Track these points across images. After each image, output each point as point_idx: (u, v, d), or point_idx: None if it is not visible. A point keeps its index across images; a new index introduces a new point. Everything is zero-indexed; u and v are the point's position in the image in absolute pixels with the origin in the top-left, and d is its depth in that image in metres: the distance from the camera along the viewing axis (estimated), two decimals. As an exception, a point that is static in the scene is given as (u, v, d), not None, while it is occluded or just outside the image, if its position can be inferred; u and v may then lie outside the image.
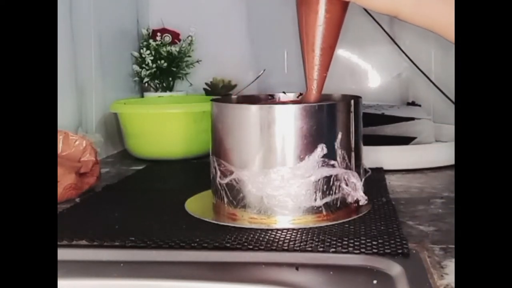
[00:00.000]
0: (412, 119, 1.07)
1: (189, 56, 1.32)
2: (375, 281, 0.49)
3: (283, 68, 1.38)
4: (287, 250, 0.56)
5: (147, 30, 1.32)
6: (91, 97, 1.07)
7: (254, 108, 0.65)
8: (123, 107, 1.08)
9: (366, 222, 0.64)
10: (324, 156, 0.63)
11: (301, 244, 0.57)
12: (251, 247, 0.57)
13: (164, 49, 1.28)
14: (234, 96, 0.82)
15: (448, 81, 1.29)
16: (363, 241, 0.57)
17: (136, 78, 1.29)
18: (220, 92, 1.29)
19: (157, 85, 1.31)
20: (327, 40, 0.64)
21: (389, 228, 0.61)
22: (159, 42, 1.28)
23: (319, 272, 0.53)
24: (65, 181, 0.75)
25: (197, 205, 0.72)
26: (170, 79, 1.31)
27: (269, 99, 0.78)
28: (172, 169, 1.00)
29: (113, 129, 1.16)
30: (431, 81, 1.30)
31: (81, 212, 0.72)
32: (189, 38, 1.31)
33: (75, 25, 1.00)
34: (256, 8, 1.39)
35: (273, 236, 0.60)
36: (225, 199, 0.66)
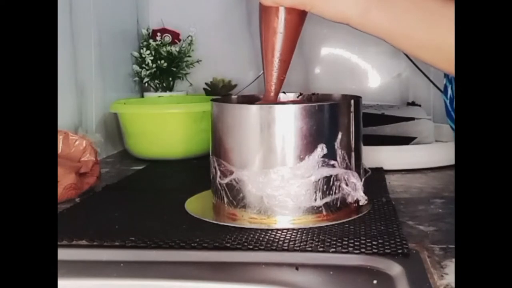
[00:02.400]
0: (412, 119, 1.07)
1: (189, 56, 1.32)
2: (375, 281, 0.49)
3: (283, 68, 1.38)
4: (287, 250, 0.56)
5: (147, 30, 1.32)
6: (91, 97, 1.07)
7: (254, 108, 0.65)
8: (123, 107, 1.08)
9: (366, 222, 0.64)
10: (324, 156, 0.63)
11: (301, 244, 0.57)
12: (251, 247, 0.57)
13: (164, 49, 1.28)
14: (234, 96, 0.82)
15: (448, 81, 1.29)
16: (363, 241, 0.57)
17: (136, 78, 1.29)
18: (220, 92, 1.29)
19: (157, 85, 1.31)
20: (285, 46, 0.66)
21: (389, 228, 0.61)
22: (159, 42, 1.28)
23: (319, 272, 0.53)
24: (65, 181, 0.75)
25: (197, 205, 0.72)
26: (170, 79, 1.31)
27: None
28: (172, 169, 1.00)
29: (113, 129, 1.16)
30: (431, 81, 1.30)
31: (81, 212, 0.72)
32: (189, 38, 1.31)
33: (75, 25, 1.00)
34: (256, 8, 1.38)
35: (273, 236, 0.60)
36: (225, 199, 0.66)
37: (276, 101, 0.69)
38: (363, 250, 0.55)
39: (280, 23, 0.65)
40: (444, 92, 0.85)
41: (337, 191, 0.65)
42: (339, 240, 0.58)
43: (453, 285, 0.48)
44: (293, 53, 0.67)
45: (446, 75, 0.83)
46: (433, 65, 0.61)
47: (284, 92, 0.78)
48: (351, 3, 0.58)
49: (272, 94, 0.68)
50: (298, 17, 0.65)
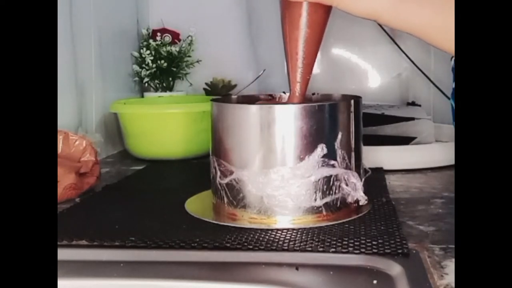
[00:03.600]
0: (412, 119, 1.07)
1: (189, 56, 1.32)
2: (375, 281, 0.49)
3: (283, 68, 1.38)
4: (287, 250, 0.56)
5: (147, 30, 1.32)
6: (91, 97, 1.07)
7: (254, 108, 0.65)
8: (123, 107, 1.08)
9: (366, 222, 0.64)
10: (324, 156, 0.63)
11: (301, 244, 0.57)
12: (251, 247, 0.57)
13: (164, 49, 1.28)
14: (234, 96, 0.82)
15: (448, 81, 1.29)
16: (363, 241, 0.57)
17: (136, 78, 1.29)
18: (220, 92, 1.29)
19: (157, 85, 1.31)
20: (310, 43, 0.64)
21: (389, 228, 0.61)
22: (159, 42, 1.28)
23: (319, 272, 0.53)
24: (65, 181, 0.75)
25: (197, 205, 0.72)
26: (170, 79, 1.31)
27: (269, 99, 0.78)
28: (172, 169, 1.00)
29: (113, 129, 1.16)
30: (431, 81, 1.30)
31: (81, 212, 0.72)
32: (189, 38, 1.31)
33: (75, 25, 1.00)
34: (256, 8, 1.39)
35: (273, 236, 0.60)
36: (225, 199, 0.66)
37: (303, 102, 0.67)
38: (363, 250, 0.55)
39: (304, 20, 0.62)
40: (452, 96, 0.84)
41: (337, 191, 0.65)
42: (339, 240, 0.58)
43: (453, 285, 0.48)
44: (318, 51, 0.65)
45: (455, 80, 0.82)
46: None
47: (284, 92, 0.78)
48: None
49: (297, 95, 0.66)
50: (323, 13, 0.63)
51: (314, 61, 0.66)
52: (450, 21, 0.55)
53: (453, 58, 0.82)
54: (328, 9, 0.63)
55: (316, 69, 1.37)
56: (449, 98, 1.25)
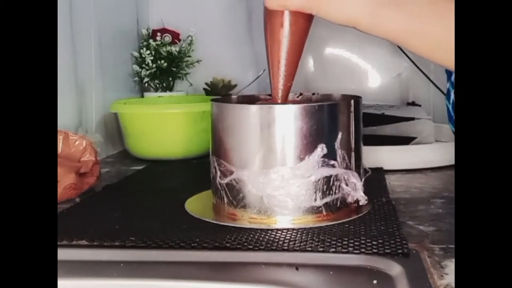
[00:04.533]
0: (412, 119, 1.07)
1: (189, 56, 1.32)
2: (375, 281, 0.49)
3: (283, 68, 1.38)
4: (287, 250, 0.56)
5: (147, 30, 1.32)
6: (91, 97, 1.07)
7: (254, 108, 0.65)
8: (123, 107, 1.08)
9: (366, 222, 0.64)
10: (324, 156, 0.63)
11: (301, 244, 0.57)
12: (251, 247, 0.57)
13: (164, 49, 1.28)
14: (234, 96, 0.82)
15: (448, 81, 1.29)
16: (363, 241, 0.57)
17: (136, 78, 1.29)
18: (220, 92, 1.29)
19: (157, 85, 1.31)
20: (292, 51, 0.64)
21: (389, 228, 0.61)
22: (159, 42, 1.28)
23: (319, 272, 0.53)
24: (65, 181, 0.75)
25: (197, 205, 0.72)
26: (170, 79, 1.31)
27: (269, 99, 0.78)
28: (172, 169, 1.00)
29: (113, 129, 1.16)
30: (431, 81, 1.30)
31: (81, 212, 0.72)
32: (189, 38, 1.31)
33: (75, 25, 1.00)
34: (256, 8, 1.39)
35: (273, 236, 0.60)
36: (225, 199, 0.66)
37: (284, 99, 0.68)
38: (363, 250, 0.55)
39: (285, 28, 0.63)
40: (447, 96, 0.85)
41: (337, 191, 0.65)
42: (339, 240, 0.58)
43: (453, 285, 0.48)
44: (300, 59, 0.66)
45: (449, 80, 0.82)
46: (451, 67, 0.58)
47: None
48: (359, 6, 0.57)
49: (279, 101, 0.67)
50: (305, 21, 0.63)
51: (296, 68, 0.66)
52: (427, 26, 0.56)
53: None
54: (309, 17, 0.63)
55: (316, 69, 1.38)
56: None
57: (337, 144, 0.64)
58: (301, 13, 0.61)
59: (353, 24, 0.58)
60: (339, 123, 0.66)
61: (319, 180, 0.64)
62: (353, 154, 0.67)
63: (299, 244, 0.57)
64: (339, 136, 0.65)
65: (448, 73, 0.83)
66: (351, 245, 0.56)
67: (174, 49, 1.29)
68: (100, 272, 0.53)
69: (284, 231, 0.61)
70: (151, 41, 1.28)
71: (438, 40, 0.56)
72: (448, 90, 0.83)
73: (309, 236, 0.60)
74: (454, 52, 0.46)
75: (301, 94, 0.79)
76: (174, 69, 1.29)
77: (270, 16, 0.64)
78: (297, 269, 0.53)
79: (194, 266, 0.55)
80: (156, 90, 1.31)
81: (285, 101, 0.67)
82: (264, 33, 0.66)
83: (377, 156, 0.93)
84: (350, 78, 1.36)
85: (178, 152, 1.06)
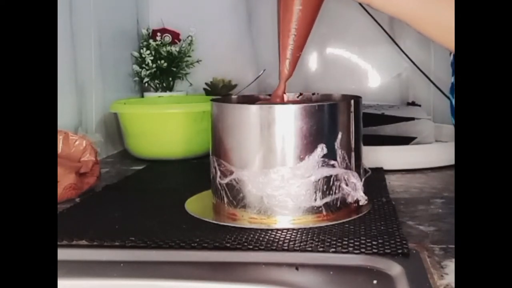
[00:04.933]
0: (412, 119, 1.07)
1: (189, 56, 1.32)
2: (375, 281, 0.49)
3: (283, 68, 1.38)
4: (287, 250, 0.56)
5: (147, 30, 1.32)
6: (91, 97, 1.07)
7: (254, 108, 0.65)
8: (123, 107, 1.08)
9: (366, 222, 0.64)
10: (324, 156, 0.63)
11: (301, 244, 0.57)
12: (251, 247, 0.57)
13: (164, 49, 1.28)
14: (234, 96, 0.82)
15: (448, 81, 1.29)
16: (363, 241, 0.57)
17: (136, 78, 1.29)
18: (220, 92, 1.29)
19: (157, 85, 1.31)
20: (303, 22, 0.66)
21: (389, 228, 0.61)
22: (159, 42, 1.28)
23: (319, 272, 0.53)
24: (65, 181, 0.75)
25: (197, 205, 0.72)
26: (170, 79, 1.31)
27: (269, 99, 0.78)
28: (172, 169, 1.00)
29: (113, 129, 1.16)
30: (431, 81, 1.30)
31: (81, 212, 0.72)
32: (189, 38, 1.31)
33: (75, 25, 1.00)
34: (256, 8, 1.39)
35: (273, 236, 0.60)
36: (225, 199, 0.66)
37: (289, 77, 0.69)
38: (363, 250, 0.55)
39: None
40: (451, 91, 0.85)
41: (337, 191, 0.65)
42: (339, 240, 0.58)
43: (453, 285, 0.48)
44: (310, 31, 0.67)
45: (454, 74, 0.82)
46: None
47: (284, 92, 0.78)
48: None
49: (286, 71, 0.68)
50: None
51: (306, 41, 0.67)
52: (441, 10, 0.55)
53: (452, 54, 0.82)
54: None
55: (316, 69, 1.38)
56: (449, 98, 1.26)
57: (337, 144, 0.64)
58: None
59: (367, 1, 0.59)
60: (339, 123, 0.66)
61: (319, 180, 0.64)
62: (353, 154, 0.67)
63: (299, 244, 0.57)
64: (339, 136, 0.65)
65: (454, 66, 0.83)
66: (351, 245, 0.56)
67: (174, 49, 1.29)
68: (100, 272, 0.53)
69: (284, 231, 0.61)
70: (151, 41, 1.28)
71: (447, 23, 0.55)
72: (452, 84, 0.83)
73: (309, 236, 0.60)
74: (454, 52, 0.46)
75: (301, 94, 0.79)
76: (174, 69, 1.29)
77: None
78: (297, 269, 0.53)
79: (194, 266, 0.55)
80: (156, 90, 1.31)
81: (291, 73, 0.68)
82: (277, 4, 0.68)
83: (377, 156, 0.93)
84: (350, 78, 1.36)
85: (178, 152, 1.06)
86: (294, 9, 0.65)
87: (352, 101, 0.67)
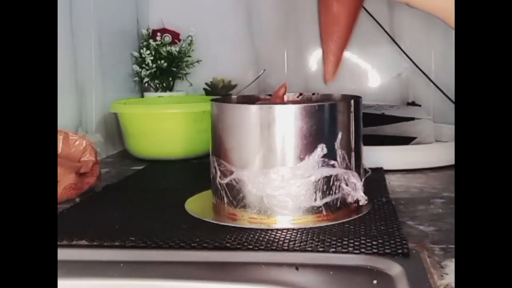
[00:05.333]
0: (412, 119, 1.07)
1: (189, 56, 1.32)
2: (375, 281, 0.49)
3: (283, 68, 1.38)
4: (287, 250, 0.56)
5: (147, 30, 1.32)
6: (91, 97, 1.07)
7: (254, 108, 0.65)
8: (123, 107, 1.08)
9: (366, 222, 0.64)
10: (324, 156, 0.64)
11: (301, 244, 0.57)
12: (251, 247, 0.57)
13: (164, 49, 1.28)
14: (234, 96, 0.82)
15: (448, 81, 1.29)
16: (363, 241, 0.57)
17: (136, 78, 1.29)
18: (220, 92, 1.29)
19: (157, 85, 1.31)
20: (346, 24, 0.66)
21: (389, 228, 0.61)
22: (159, 42, 1.28)
23: (319, 272, 0.53)
24: (65, 181, 0.75)
25: (197, 205, 0.72)
26: (170, 79, 1.31)
27: (269, 99, 0.78)
28: (172, 169, 1.00)
29: (113, 129, 1.16)
30: (431, 81, 1.30)
31: (81, 212, 0.72)
32: (189, 38, 1.31)
33: (75, 25, 1.00)
34: (256, 8, 1.39)
35: (273, 236, 0.60)
36: (225, 199, 0.66)
37: (333, 79, 0.70)
38: (363, 250, 0.55)
39: (340, 0, 0.65)
40: None
41: (337, 191, 0.65)
42: (339, 240, 0.58)
43: (453, 285, 0.48)
44: (352, 33, 0.68)
45: None
46: None
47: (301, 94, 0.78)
48: None
49: (331, 69, 0.68)
50: None
51: (348, 41, 0.68)
52: None
53: None
54: None
55: (316, 69, 1.37)
56: (448, 98, 1.26)
57: (337, 144, 0.64)
58: None
59: (406, 0, 0.59)
60: (339, 123, 0.66)
61: (319, 180, 0.64)
62: (353, 154, 0.67)
63: (299, 244, 0.57)
64: (339, 136, 0.65)
65: None
66: (351, 245, 0.56)
67: (174, 49, 1.29)
68: (100, 272, 0.53)
69: (284, 231, 0.61)
70: (151, 41, 1.28)
71: None
72: None
73: (309, 236, 0.60)
74: (454, 53, 0.46)
75: (301, 94, 0.79)
76: (174, 69, 1.29)
77: None
78: (297, 269, 0.53)
79: (194, 266, 0.55)
80: (156, 90, 1.31)
81: (335, 75, 0.69)
82: (317, 8, 0.68)
83: (377, 156, 0.93)
84: (350, 78, 1.36)
85: (178, 152, 1.06)
86: (335, 11, 0.65)
87: (352, 101, 0.68)
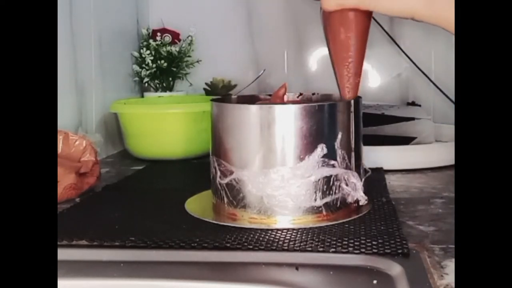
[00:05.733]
0: (412, 119, 1.07)
1: (189, 56, 1.32)
2: (375, 281, 0.49)
3: (283, 68, 1.38)
4: (287, 250, 0.56)
5: (147, 30, 1.32)
6: (91, 97, 1.07)
7: (254, 108, 0.65)
8: (123, 107, 1.08)
9: (366, 222, 0.64)
10: (324, 156, 0.63)
11: (301, 244, 0.57)
12: (251, 247, 0.57)
13: (164, 49, 1.28)
14: (234, 96, 0.82)
15: (448, 81, 1.29)
16: (363, 241, 0.57)
17: (136, 78, 1.29)
18: (220, 92, 1.29)
19: (157, 85, 1.31)
20: (355, 49, 0.64)
21: (389, 228, 0.61)
22: (159, 42, 1.28)
23: (319, 272, 0.53)
24: (65, 181, 0.75)
25: (197, 205, 0.72)
26: (170, 79, 1.31)
27: (269, 99, 0.78)
28: (172, 169, 1.00)
29: (113, 129, 1.16)
30: (431, 81, 1.30)
31: (81, 212, 0.72)
32: (189, 38, 1.31)
33: (75, 25, 1.00)
34: (256, 8, 1.39)
35: (273, 236, 0.60)
36: (225, 199, 0.66)
37: (355, 94, 0.67)
38: (363, 250, 0.55)
39: (346, 27, 0.63)
40: None
41: (337, 191, 0.65)
42: (339, 240, 0.58)
43: (453, 285, 0.48)
44: (364, 55, 0.66)
45: None
46: None
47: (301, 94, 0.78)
48: None
49: (349, 93, 0.66)
50: (364, 18, 0.63)
51: (362, 65, 0.66)
52: None
53: None
54: (367, 13, 0.63)
55: (316, 69, 1.37)
56: (448, 98, 1.26)
57: (337, 144, 0.64)
58: (359, 10, 0.62)
59: (410, 15, 0.59)
60: (339, 123, 0.66)
61: (319, 180, 0.64)
62: (353, 154, 0.67)
63: (299, 244, 0.57)
64: (339, 136, 0.65)
65: None
66: (351, 245, 0.56)
67: (174, 49, 1.29)
68: (100, 272, 0.53)
69: (284, 231, 0.61)
70: (151, 41, 1.28)
71: None
72: None
73: (309, 236, 0.60)
74: (454, 53, 0.46)
75: (301, 94, 0.79)
76: (174, 69, 1.29)
77: (329, 18, 0.64)
78: (297, 269, 0.53)
79: (194, 266, 0.55)
80: (156, 90, 1.31)
81: (355, 94, 0.66)
82: (324, 35, 0.67)
83: (377, 156, 0.93)
84: (350, 78, 1.36)
85: (178, 152, 1.06)
86: (344, 39, 0.64)
87: (352, 101, 0.67)
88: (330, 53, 0.67)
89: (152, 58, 1.27)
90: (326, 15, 0.65)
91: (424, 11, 0.58)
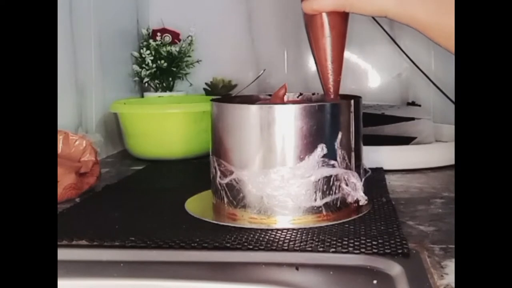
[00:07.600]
0: (412, 119, 1.07)
1: (189, 56, 1.32)
2: (375, 281, 0.49)
3: (283, 68, 1.38)
4: (287, 250, 0.56)
5: (147, 30, 1.32)
6: (91, 97, 1.07)
7: (254, 108, 0.65)
8: (123, 107, 1.08)
9: (366, 222, 0.64)
10: (324, 156, 0.64)
11: (301, 244, 0.57)
12: (251, 247, 0.57)
13: (164, 49, 1.28)
14: (234, 96, 0.82)
15: (448, 81, 1.29)
16: (363, 241, 0.57)
17: (136, 78, 1.29)
18: (220, 92, 1.29)
19: (157, 85, 1.31)
20: (335, 48, 0.68)
21: (389, 228, 0.61)
22: (159, 42, 1.28)
23: (319, 272, 0.53)
24: (65, 181, 0.75)
25: (197, 205, 0.72)
26: (170, 79, 1.31)
27: (269, 99, 0.78)
28: (172, 169, 1.00)
29: (113, 129, 1.16)
30: (431, 81, 1.30)
31: (81, 212, 0.72)
32: (189, 38, 1.31)
33: (75, 25, 1.00)
34: (256, 8, 1.39)
35: (273, 236, 0.60)
36: (225, 199, 0.66)
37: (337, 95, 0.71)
38: (363, 250, 0.55)
39: (325, 28, 0.67)
40: None
41: (337, 191, 0.65)
42: (339, 240, 0.58)
43: (453, 285, 0.48)
44: (344, 54, 0.70)
45: None
46: None
47: (300, 94, 0.78)
48: None
49: (332, 96, 0.70)
50: (341, 19, 0.67)
51: (342, 63, 0.70)
52: (446, 18, 0.58)
53: None
54: (344, 15, 0.67)
55: (316, 69, 1.37)
56: (448, 98, 1.26)
57: (337, 144, 0.64)
58: (336, 12, 0.65)
59: (383, 13, 0.62)
60: (339, 123, 0.66)
61: (319, 180, 0.64)
62: (353, 154, 0.67)
63: (299, 244, 0.57)
64: (339, 136, 0.65)
65: None
66: (351, 245, 0.56)
67: (174, 49, 1.29)
68: (100, 272, 0.53)
69: (284, 231, 0.61)
70: (151, 41, 1.28)
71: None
72: None
73: (309, 236, 0.60)
74: (454, 53, 0.46)
75: (301, 94, 0.79)
76: (174, 69, 1.29)
77: (309, 21, 0.68)
78: (297, 269, 0.53)
79: (194, 266, 0.55)
80: (156, 90, 1.31)
81: (337, 95, 0.70)
82: (307, 36, 0.70)
83: (377, 156, 0.93)
84: (350, 78, 1.36)
85: (178, 152, 1.06)
86: (323, 39, 0.67)
87: (352, 101, 0.68)
88: (312, 52, 0.70)
89: (152, 58, 1.27)
90: (307, 18, 0.68)
91: (395, 9, 0.61)
